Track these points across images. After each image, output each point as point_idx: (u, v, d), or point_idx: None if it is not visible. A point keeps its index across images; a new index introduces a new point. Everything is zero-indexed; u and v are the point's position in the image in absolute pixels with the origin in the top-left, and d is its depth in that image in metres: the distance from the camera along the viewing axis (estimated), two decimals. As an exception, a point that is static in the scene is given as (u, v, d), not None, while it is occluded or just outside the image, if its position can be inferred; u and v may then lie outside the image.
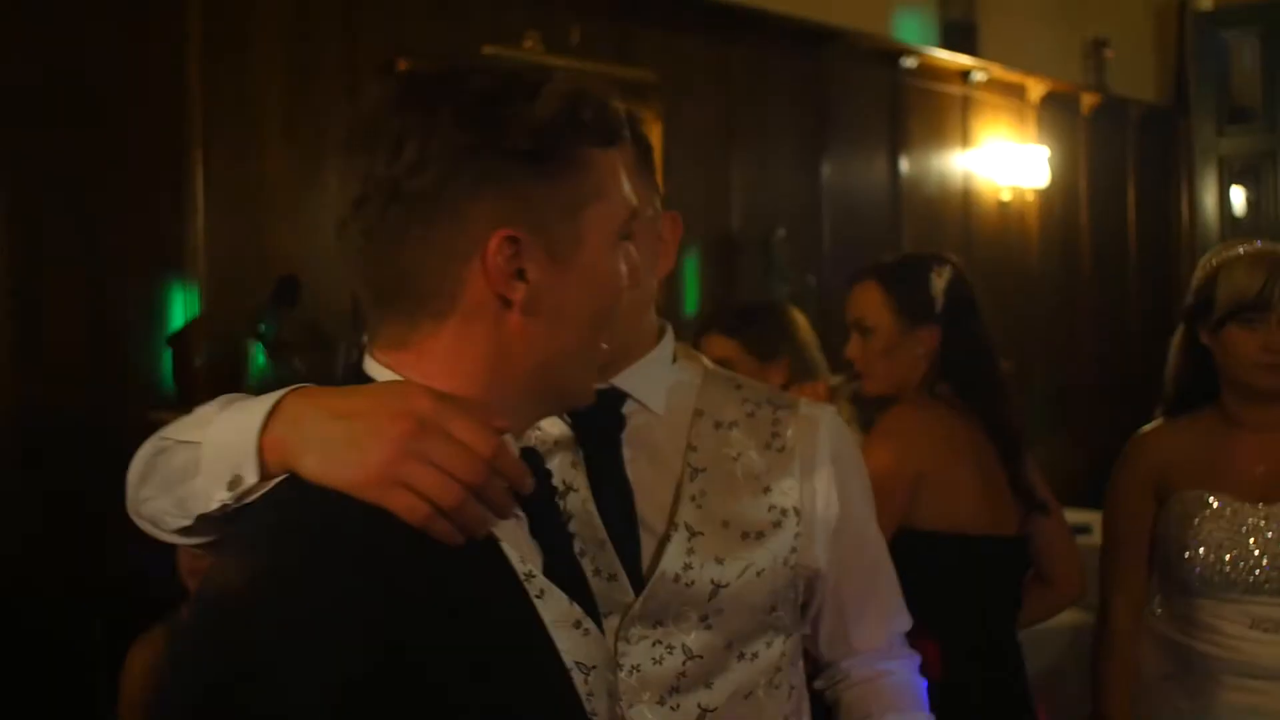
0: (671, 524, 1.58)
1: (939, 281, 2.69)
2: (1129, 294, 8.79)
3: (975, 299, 2.73)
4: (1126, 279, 8.84)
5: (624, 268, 1.19)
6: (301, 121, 4.51)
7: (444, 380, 1.13)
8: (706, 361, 1.75)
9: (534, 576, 1.17)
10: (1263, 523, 2.51)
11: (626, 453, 1.62)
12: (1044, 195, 7.95)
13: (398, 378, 1.14)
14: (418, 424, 1.04)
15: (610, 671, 1.25)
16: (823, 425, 1.70)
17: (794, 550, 1.63)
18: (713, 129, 5.93)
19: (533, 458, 1.27)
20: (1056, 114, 8.13)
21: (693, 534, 1.58)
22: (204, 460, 1.12)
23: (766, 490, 1.63)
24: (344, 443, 1.05)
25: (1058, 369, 7.89)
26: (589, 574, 1.52)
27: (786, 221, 6.06)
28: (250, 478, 1.09)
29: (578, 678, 1.18)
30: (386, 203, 1.11)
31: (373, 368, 1.17)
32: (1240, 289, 2.53)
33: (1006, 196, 7.69)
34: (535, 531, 1.25)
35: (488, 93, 1.12)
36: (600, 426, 1.62)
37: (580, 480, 1.58)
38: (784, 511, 1.63)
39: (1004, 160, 7.63)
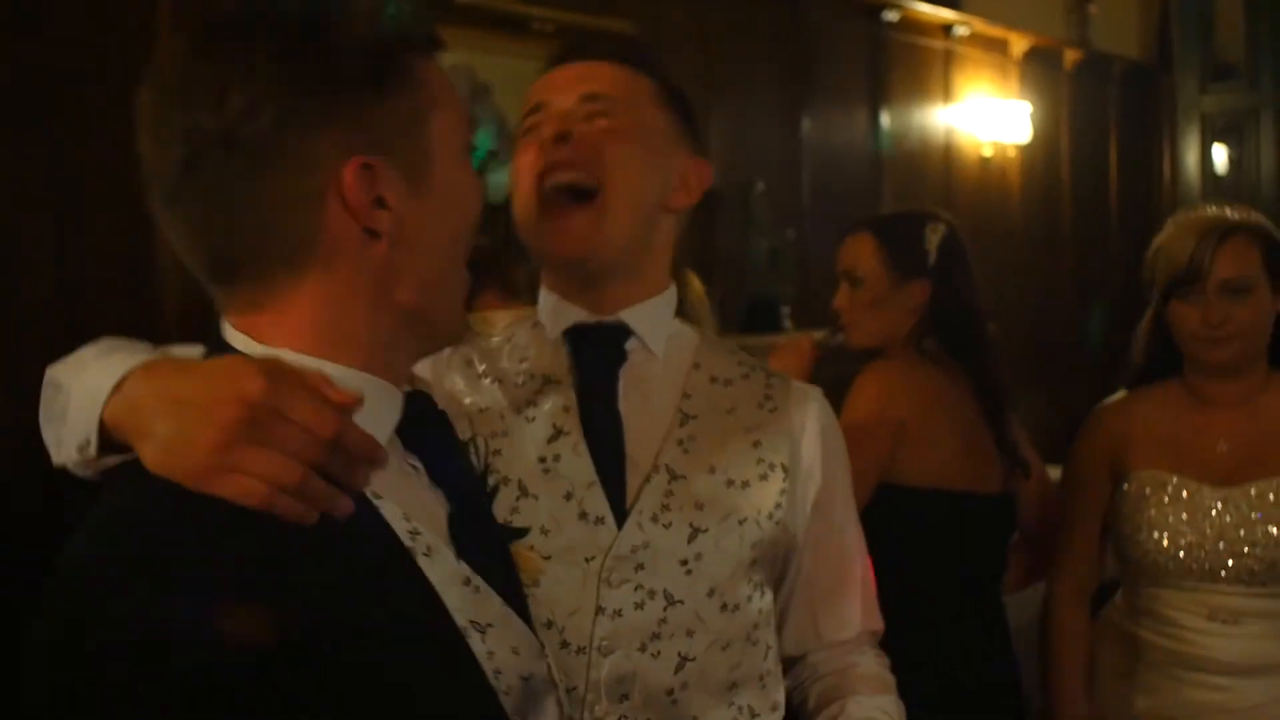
0: (654, 466, 1.58)
1: (933, 237, 2.68)
2: (1110, 252, 8.78)
3: (967, 258, 2.72)
4: (1108, 237, 8.84)
5: (477, 181, 1.17)
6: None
7: (312, 336, 1.09)
8: (699, 328, 1.77)
9: (419, 534, 1.12)
10: (1220, 505, 2.39)
11: (622, 395, 1.61)
12: (1026, 151, 7.93)
13: (258, 346, 1.09)
14: (247, 409, 0.99)
15: (513, 627, 1.19)
16: (813, 400, 1.71)
17: (779, 506, 1.62)
18: (691, 81, 5.84)
19: (421, 403, 1.23)
20: (1039, 69, 8.09)
21: (674, 477, 1.57)
22: (69, 411, 1.10)
23: (757, 444, 1.63)
24: (175, 434, 1.01)
25: (1037, 327, 7.89)
26: (574, 518, 1.54)
27: (766, 175, 6.02)
28: (92, 450, 1.07)
29: (474, 638, 1.13)
30: (223, 157, 1.04)
31: (232, 336, 1.11)
32: (1173, 262, 2.43)
33: (988, 152, 7.67)
34: (438, 480, 1.22)
35: (301, 21, 1.07)
36: (602, 361, 1.62)
37: (572, 423, 1.58)
38: (772, 466, 1.63)
39: (986, 116, 7.60)
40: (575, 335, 1.64)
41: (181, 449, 1.00)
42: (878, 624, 1.79)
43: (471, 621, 1.14)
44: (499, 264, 3.52)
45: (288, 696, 0.94)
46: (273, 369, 1.02)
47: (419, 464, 1.22)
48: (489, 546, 1.28)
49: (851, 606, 1.75)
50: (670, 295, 1.69)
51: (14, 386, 2.90)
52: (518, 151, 1.63)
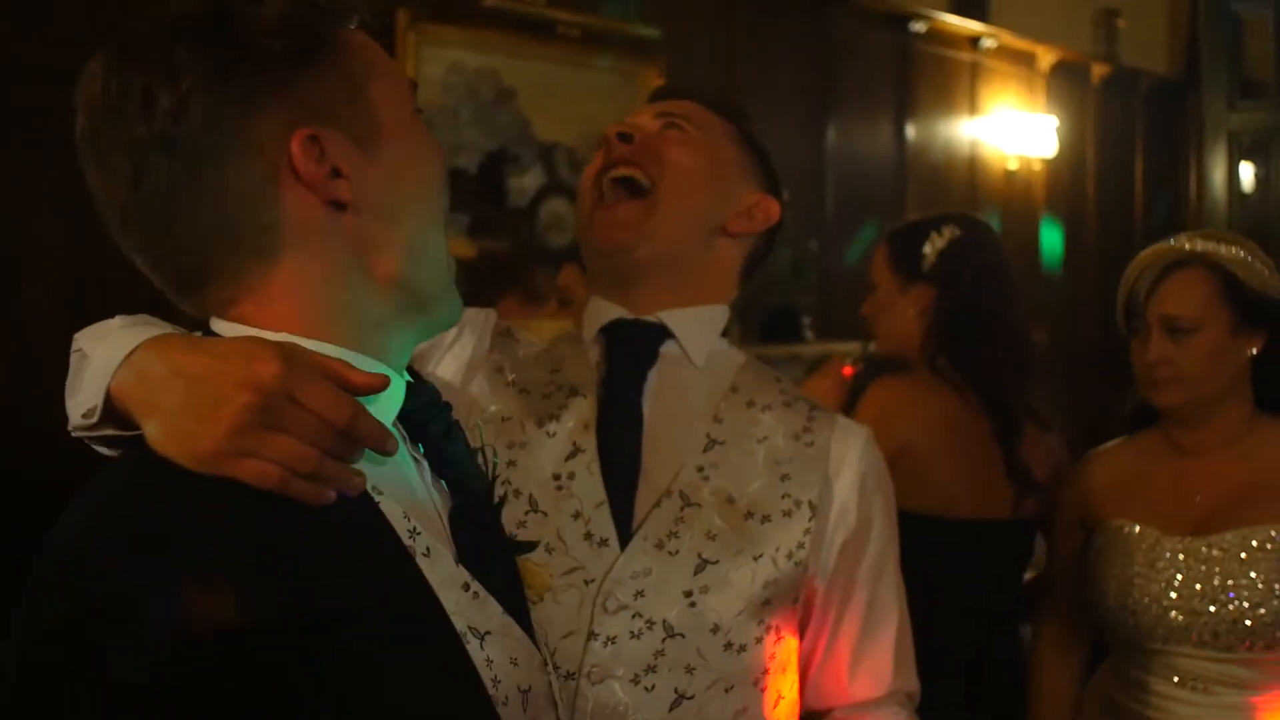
0: (666, 490, 1.52)
1: (936, 241, 2.64)
2: (1133, 268, 8.71)
3: (985, 266, 2.62)
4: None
5: (433, 140, 1.16)
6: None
7: (299, 320, 1.07)
8: (750, 356, 1.73)
9: (418, 534, 1.10)
10: (1181, 557, 2.17)
11: (649, 401, 1.57)
12: (1051, 165, 7.87)
13: (249, 330, 1.07)
14: (261, 394, 0.98)
15: (513, 637, 1.17)
16: (856, 440, 1.65)
17: (800, 546, 1.54)
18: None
19: (426, 394, 1.21)
20: (1066, 83, 8.04)
21: (687, 503, 1.52)
22: (85, 378, 1.08)
23: (785, 478, 1.57)
24: (185, 411, 0.99)
25: (1062, 343, 7.83)
26: (579, 538, 1.49)
27: (789, 185, 5.88)
28: (95, 417, 1.06)
29: (472, 644, 1.10)
30: (167, 163, 1.03)
31: (223, 328, 1.09)
32: (1122, 295, 2.29)
33: (1013, 166, 7.62)
34: (440, 472, 1.20)
35: (212, 13, 1.05)
36: (631, 357, 1.59)
37: (589, 441, 1.54)
38: (798, 503, 1.56)
39: (1012, 129, 7.55)
40: (610, 332, 1.61)
41: (191, 431, 0.99)
42: (912, 684, 1.69)
43: (470, 627, 1.11)
44: (520, 269, 3.51)
45: (276, 686, 0.92)
46: (288, 352, 1.01)
47: (421, 457, 1.20)
48: (491, 551, 1.24)
49: (883, 662, 1.66)
50: (720, 311, 1.66)
51: (28, 386, 2.91)
52: (588, 166, 1.65)
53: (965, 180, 7.34)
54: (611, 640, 1.46)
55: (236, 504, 0.98)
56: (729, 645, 1.50)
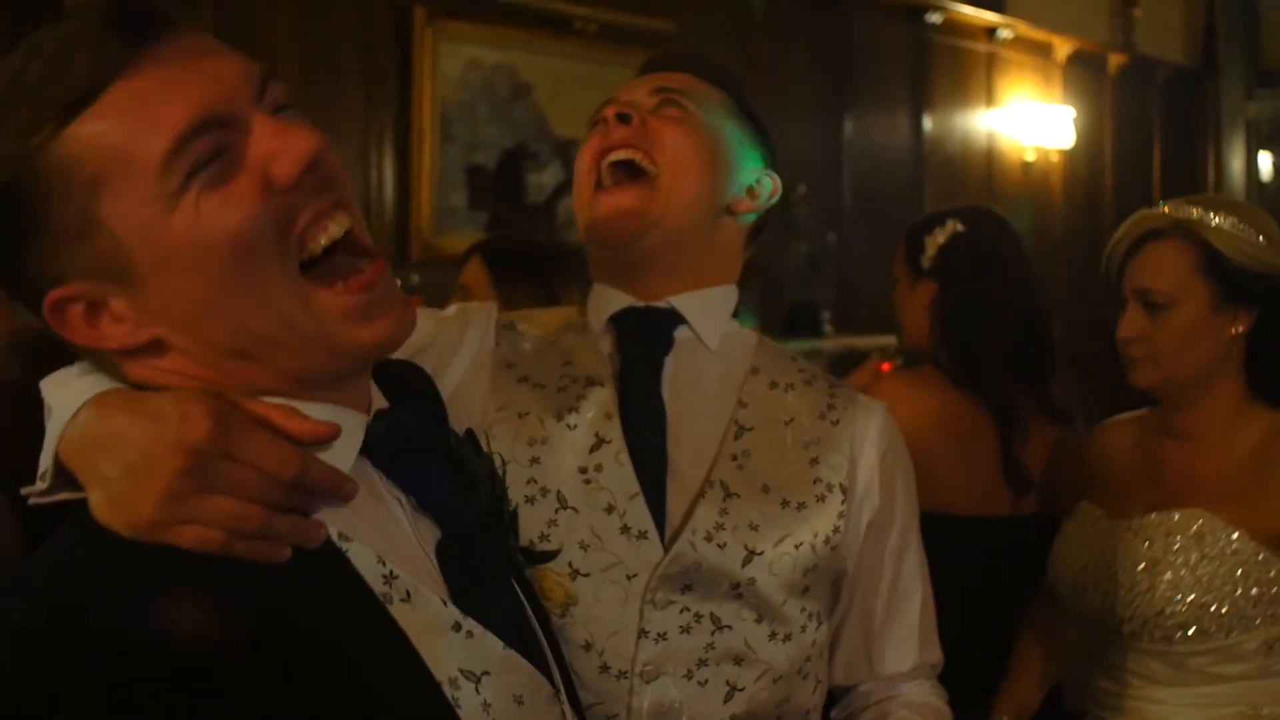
0: (707, 481, 1.50)
1: (938, 237, 2.65)
2: (1152, 258, 8.68)
3: (986, 261, 2.61)
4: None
5: (214, 223, 0.96)
6: (314, 63, 4.43)
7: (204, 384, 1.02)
8: (761, 334, 1.69)
9: (395, 578, 1.03)
10: (1122, 542, 2.05)
11: (668, 389, 1.54)
12: (1069, 156, 7.85)
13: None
14: (191, 456, 0.93)
15: (516, 672, 1.11)
16: (876, 417, 1.62)
17: (836, 530, 1.54)
18: (709, 56, 5.81)
19: (400, 420, 1.13)
20: (1083, 74, 8.01)
21: (728, 494, 1.49)
22: (47, 436, 1.03)
23: (815, 461, 1.55)
24: (121, 479, 0.94)
25: (1077, 334, 7.80)
26: (616, 532, 1.45)
27: (807, 178, 5.97)
28: (47, 481, 1.01)
29: (465, 689, 1.04)
30: None
31: None
32: (1103, 269, 2.15)
33: (1031, 157, 7.59)
34: (425, 503, 1.13)
35: None
36: (646, 346, 1.56)
37: (614, 431, 1.50)
38: (830, 487, 1.54)
39: (1029, 120, 7.52)
40: (621, 321, 1.58)
41: (127, 500, 0.94)
42: (936, 656, 1.69)
43: (462, 670, 1.05)
44: (539, 266, 3.49)
45: None
46: (221, 408, 0.96)
47: (400, 492, 1.13)
48: (489, 577, 1.18)
49: (908, 637, 1.65)
50: (729, 292, 1.62)
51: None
52: (584, 143, 1.59)
53: (982, 172, 7.32)
54: (662, 636, 1.44)
55: (177, 572, 0.92)
56: (774, 635, 1.49)
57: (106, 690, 0.86)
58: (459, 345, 1.56)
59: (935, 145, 6.97)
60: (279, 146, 0.98)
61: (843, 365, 5.37)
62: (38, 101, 0.94)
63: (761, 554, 1.48)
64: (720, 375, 1.58)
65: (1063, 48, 7.80)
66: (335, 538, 1.01)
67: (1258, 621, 1.97)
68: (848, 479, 1.56)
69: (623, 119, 1.53)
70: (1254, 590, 1.97)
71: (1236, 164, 8.89)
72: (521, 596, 1.27)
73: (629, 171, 1.53)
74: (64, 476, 1.01)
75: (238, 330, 0.99)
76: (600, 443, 1.50)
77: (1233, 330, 2.04)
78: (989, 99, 7.37)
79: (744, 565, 1.47)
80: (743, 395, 1.57)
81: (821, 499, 1.54)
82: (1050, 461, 2.54)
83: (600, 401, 1.52)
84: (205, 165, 0.95)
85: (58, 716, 0.85)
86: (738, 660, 1.47)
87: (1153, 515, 2.05)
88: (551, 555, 1.45)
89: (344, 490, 1.00)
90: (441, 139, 4.65)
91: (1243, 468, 2.03)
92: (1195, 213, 2.03)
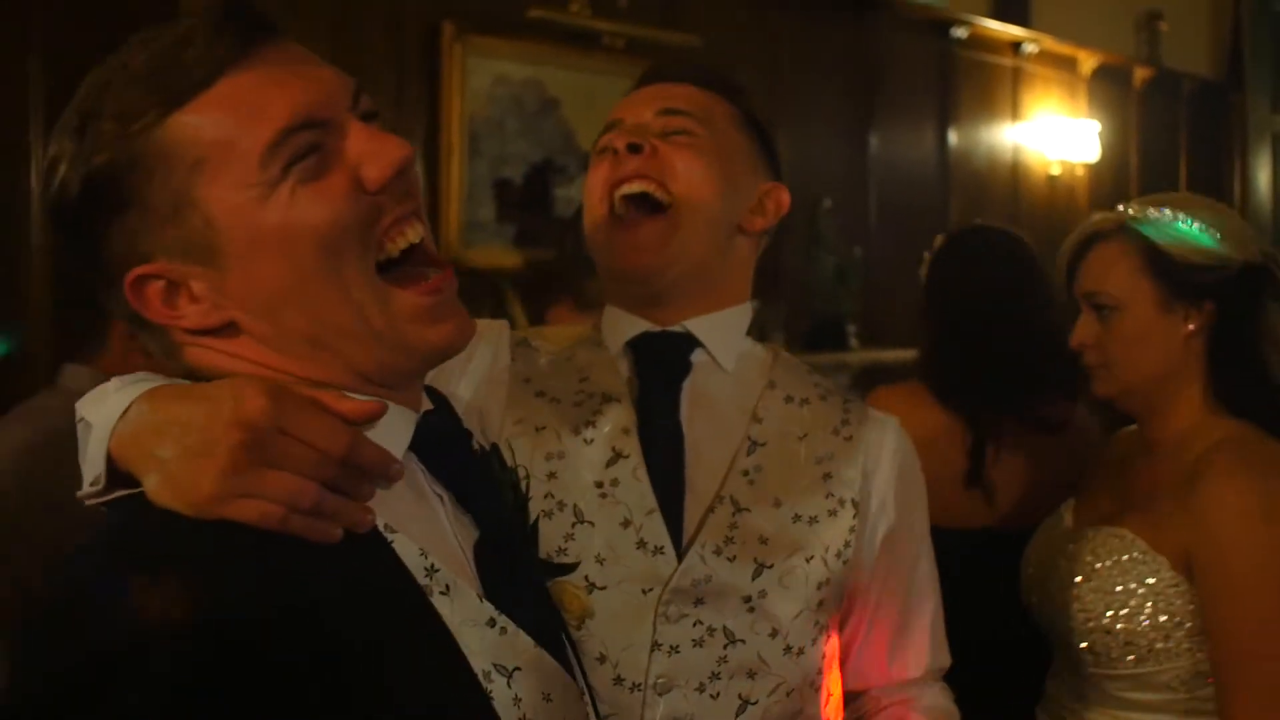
0: (718, 496, 1.51)
1: (927, 256, 2.72)
2: (1178, 272, 8.64)
3: (963, 280, 2.63)
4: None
5: (307, 213, 1.03)
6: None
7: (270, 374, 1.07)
8: (777, 348, 1.70)
9: (436, 571, 1.07)
10: (1060, 556, 1.97)
11: (685, 410, 1.55)
12: (1094, 170, 7.82)
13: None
14: (249, 431, 0.97)
15: (545, 671, 1.13)
16: (890, 432, 1.64)
17: (847, 545, 1.55)
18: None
19: (444, 424, 1.18)
20: (1108, 87, 7.99)
21: (738, 509, 1.50)
22: (90, 446, 1.06)
23: (828, 476, 1.56)
24: (179, 459, 0.98)
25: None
26: (632, 547, 1.46)
27: (833, 192, 5.98)
28: (101, 484, 1.04)
29: (498, 682, 1.07)
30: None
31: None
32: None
33: (1056, 171, 7.57)
34: (466, 503, 1.17)
35: (47, 165, 1.06)
36: (664, 371, 1.56)
37: (631, 446, 1.51)
38: (841, 502, 1.55)
39: (1054, 134, 7.50)
40: (638, 346, 1.58)
41: (186, 478, 0.97)
42: (946, 659, 1.72)
43: (495, 664, 1.08)
44: (571, 276, 3.51)
45: None
46: (276, 388, 1.00)
47: (443, 490, 1.17)
48: (520, 579, 1.22)
49: (921, 644, 1.68)
50: (743, 311, 1.63)
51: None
52: (591, 167, 1.58)
53: (1008, 186, 7.30)
54: (675, 649, 1.45)
55: (235, 545, 0.96)
56: (789, 649, 1.50)
57: (169, 658, 0.89)
58: (466, 364, 1.56)
59: (961, 159, 6.96)
60: (372, 150, 1.05)
61: (868, 379, 5.37)
62: (146, 88, 1.01)
63: (771, 567, 1.49)
64: (735, 394, 1.59)
65: (1088, 61, 7.79)
66: (382, 528, 1.05)
67: (1165, 651, 1.87)
68: (860, 494, 1.57)
69: (634, 149, 1.52)
70: (1162, 619, 1.87)
71: (1263, 177, 8.85)
72: (550, 603, 1.32)
73: (643, 203, 1.52)
74: (116, 477, 1.03)
75: (313, 318, 1.04)
76: (617, 457, 1.51)
77: (1186, 329, 1.94)
78: (1014, 113, 7.36)
79: (754, 578, 1.48)
80: (758, 410, 1.58)
81: (833, 513, 1.54)
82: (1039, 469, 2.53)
83: (617, 417, 1.53)
84: (302, 159, 1.02)
85: (121, 688, 0.88)
86: (751, 674, 1.47)
87: (1089, 530, 1.98)
88: (570, 568, 1.47)
89: (391, 471, 1.04)
90: (470, 153, 4.68)
91: (1179, 484, 1.89)
92: (1134, 211, 1.98)
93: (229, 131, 1.01)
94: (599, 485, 1.49)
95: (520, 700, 1.08)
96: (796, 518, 1.52)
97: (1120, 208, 2.02)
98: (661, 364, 1.57)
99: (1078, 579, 1.93)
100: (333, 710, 0.93)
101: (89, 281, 1.08)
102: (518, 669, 1.09)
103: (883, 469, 1.60)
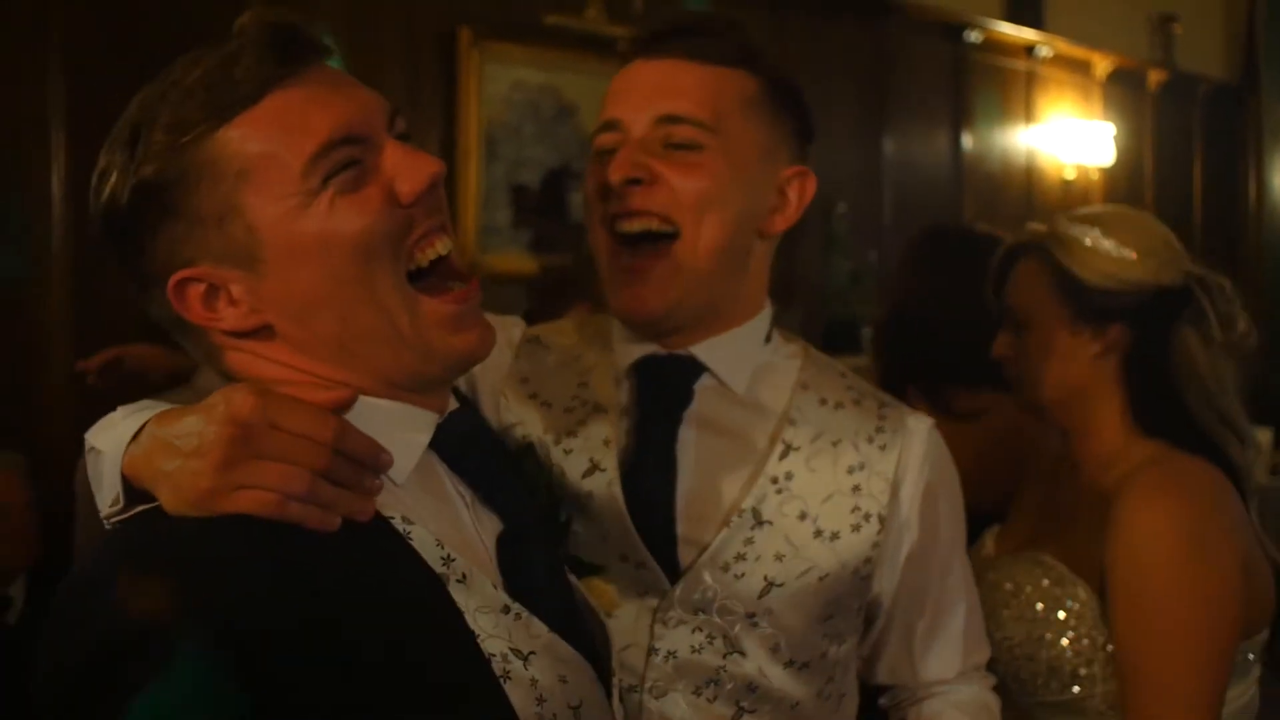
0: (736, 509, 1.46)
1: None
2: (1193, 275, 8.61)
3: (906, 287, 2.78)
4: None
5: (343, 223, 1.08)
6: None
7: (294, 374, 1.13)
8: (806, 345, 1.62)
9: (452, 560, 1.12)
10: (998, 575, 1.92)
11: (688, 433, 1.49)
12: (1108, 173, 7.81)
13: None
14: (240, 426, 1.02)
15: (559, 655, 1.17)
16: (923, 436, 1.57)
17: (867, 561, 1.50)
18: (712, 19, 5.84)
19: (470, 424, 1.23)
20: (1122, 90, 7.99)
21: (759, 522, 1.46)
22: (104, 473, 1.11)
23: (856, 489, 1.50)
24: (181, 467, 1.03)
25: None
26: (615, 559, 1.46)
27: (847, 196, 5.98)
28: (120, 504, 1.09)
29: (515, 664, 1.11)
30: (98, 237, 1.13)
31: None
32: None
33: (1070, 174, 7.57)
34: (488, 498, 1.22)
35: (98, 173, 1.12)
36: (665, 398, 1.50)
37: (608, 460, 1.47)
38: (867, 516, 1.50)
39: (1068, 137, 7.50)
40: (642, 368, 1.52)
41: (187, 479, 1.02)
42: (983, 655, 1.68)
43: (512, 648, 1.12)
44: (587, 280, 3.54)
45: (291, 706, 0.95)
46: (260, 389, 1.06)
47: (465, 486, 1.21)
48: (542, 570, 1.25)
49: (952, 647, 1.63)
50: (758, 324, 1.55)
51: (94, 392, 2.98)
52: (590, 171, 1.50)
53: (1022, 189, 7.30)
54: (672, 654, 1.44)
55: (247, 538, 1.01)
56: (791, 663, 1.46)
57: (190, 649, 0.93)
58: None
59: (975, 163, 6.97)
60: (406, 166, 1.11)
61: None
62: (197, 102, 1.07)
63: (782, 585, 1.45)
64: (753, 409, 1.52)
65: (1102, 64, 7.78)
66: (399, 520, 1.11)
67: (1089, 677, 1.83)
68: (887, 509, 1.51)
69: (634, 183, 1.42)
70: (1084, 643, 1.83)
71: (1278, 180, 8.83)
72: (576, 594, 1.35)
73: (648, 238, 1.44)
74: (134, 495, 1.09)
75: (344, 323, 1.10)
76: (593, 469, 1.48)
77: (1092, 351, 1.91)
78: (1028, 116, 7.36)
79: (761, 596, 1.44)
80: (792, 412, 1.52)
81: (857, 529, 1.49)
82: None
83: (600, 429, 1.50)
84: (341, 172, 1.09)
85: (148, 659, 0.93)
86: (750, 686, 1.44)
87: (1009, 556, 1.96)
88: (596, 569, 1.47)
89: (380, 460, 1.09)
90: (487, 158, 4.70)
91: (1098, 507, 1.86)
92: (1053, 228, 1.95)
93: (274, 145, 1.07)
94: (576, 496, 1.48)
95: (537, 681, 1.12)
96: (818, 533, 1.47)
97: (1034, 227, 2.00)
98: (663, 391, 1.51)
99: (1000, 606, 1.90)
100: (347, 691, 0.98)
101: (131, 285, 1.14)
102: (533, 653, 1.14)
103: (909, 482, 1.54)
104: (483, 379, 1.58)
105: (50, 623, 1.01)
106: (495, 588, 1.14)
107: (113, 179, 1.09)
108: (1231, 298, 1.90)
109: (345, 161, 1.09)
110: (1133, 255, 1.88)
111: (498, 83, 4.75)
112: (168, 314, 1.12)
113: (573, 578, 1.37)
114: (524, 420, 1.54)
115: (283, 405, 1.05)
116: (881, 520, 1.50)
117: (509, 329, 1.63)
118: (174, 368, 2.90)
